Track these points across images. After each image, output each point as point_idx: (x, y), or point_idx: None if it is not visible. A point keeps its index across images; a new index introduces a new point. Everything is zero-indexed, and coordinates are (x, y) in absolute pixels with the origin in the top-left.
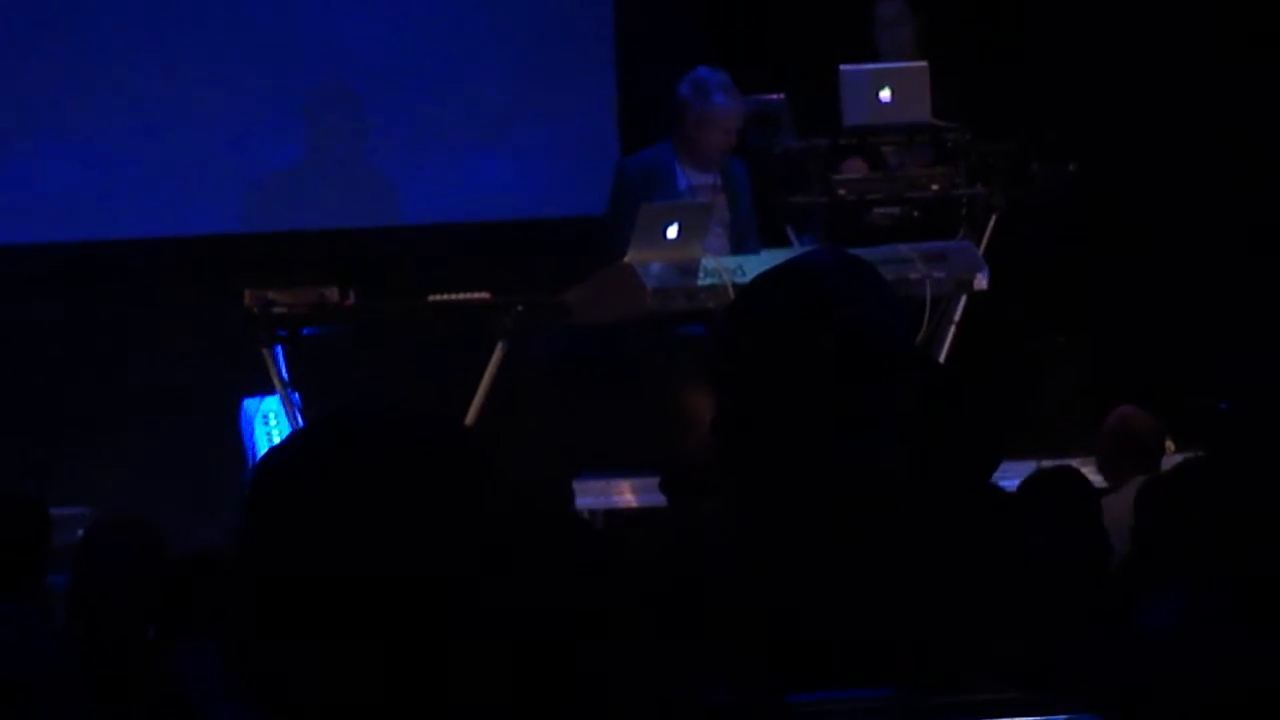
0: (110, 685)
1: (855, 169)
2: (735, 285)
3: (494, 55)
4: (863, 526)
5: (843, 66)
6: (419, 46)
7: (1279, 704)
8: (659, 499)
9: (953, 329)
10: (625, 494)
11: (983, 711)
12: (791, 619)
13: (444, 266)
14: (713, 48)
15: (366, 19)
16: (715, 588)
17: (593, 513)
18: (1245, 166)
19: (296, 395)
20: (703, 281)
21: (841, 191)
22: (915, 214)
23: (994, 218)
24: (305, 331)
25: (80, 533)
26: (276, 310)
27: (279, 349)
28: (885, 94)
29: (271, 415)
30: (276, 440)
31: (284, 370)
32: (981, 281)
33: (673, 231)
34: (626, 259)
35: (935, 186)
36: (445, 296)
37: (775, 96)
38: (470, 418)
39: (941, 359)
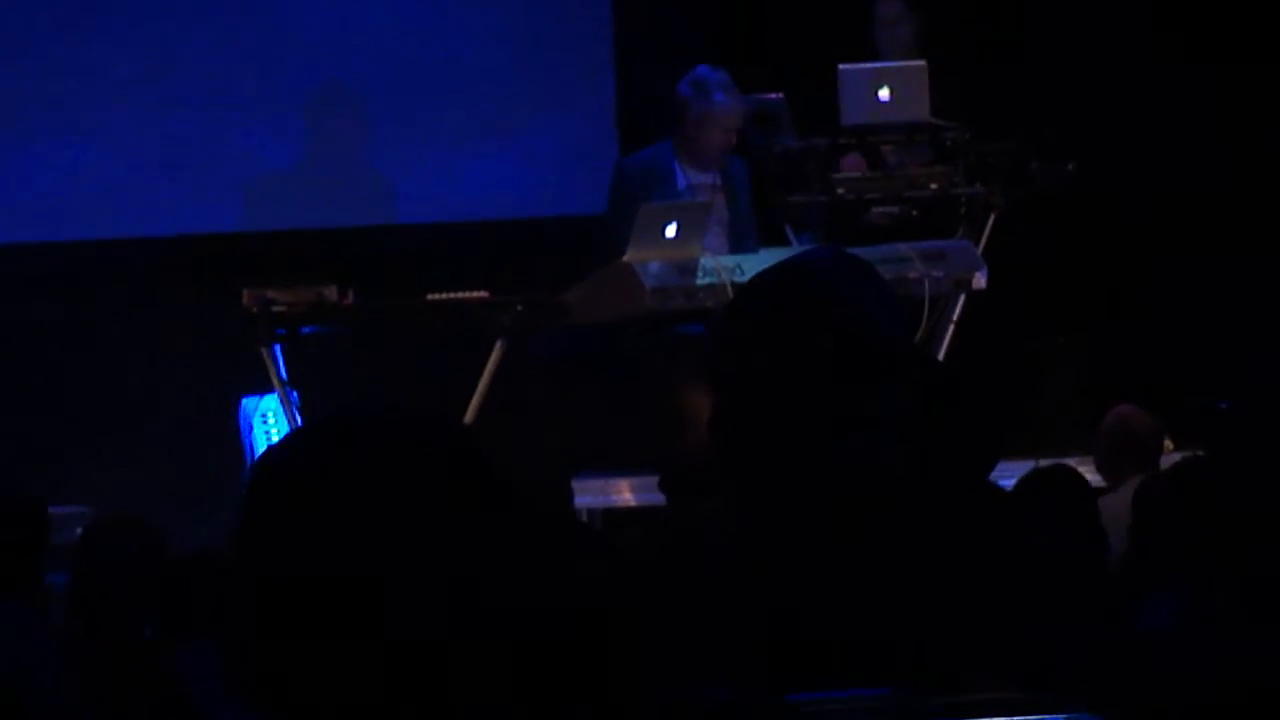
0: (109, 685)
1: (854, 165)
2: (734, 284)
3: (493, 55)
4: (862, 526)
5: (842, 66)
6: (418, 46)
7: (1277, 704)
8: (658, 498)
9: (951, 328)
10: (624, 493)
11: (982, 711)
12: (791, 618)
13: (443, 266)
14: (712, 47)
15: (366, 18)
16: (715, 587)
17: (592, 512)
18: (1245, 166)
19: (295, 394)
20: (701, 281)
21: (840, 191)
22: (914, 213)
23: (993, 217)
24: (304, 330)
25: (79, 532)
26: (275, 309)
27: (278, 348)
28: (884, 93)
29: (270, 414)
30: (275, 439)
31: (283, 369)
32: (980, 281)
33: (671, 231)
34: (625, 258)
35: (934, 186)
36: (444, 296)
37: (774, 96)
38: (469, 417)
39: (940, 358)
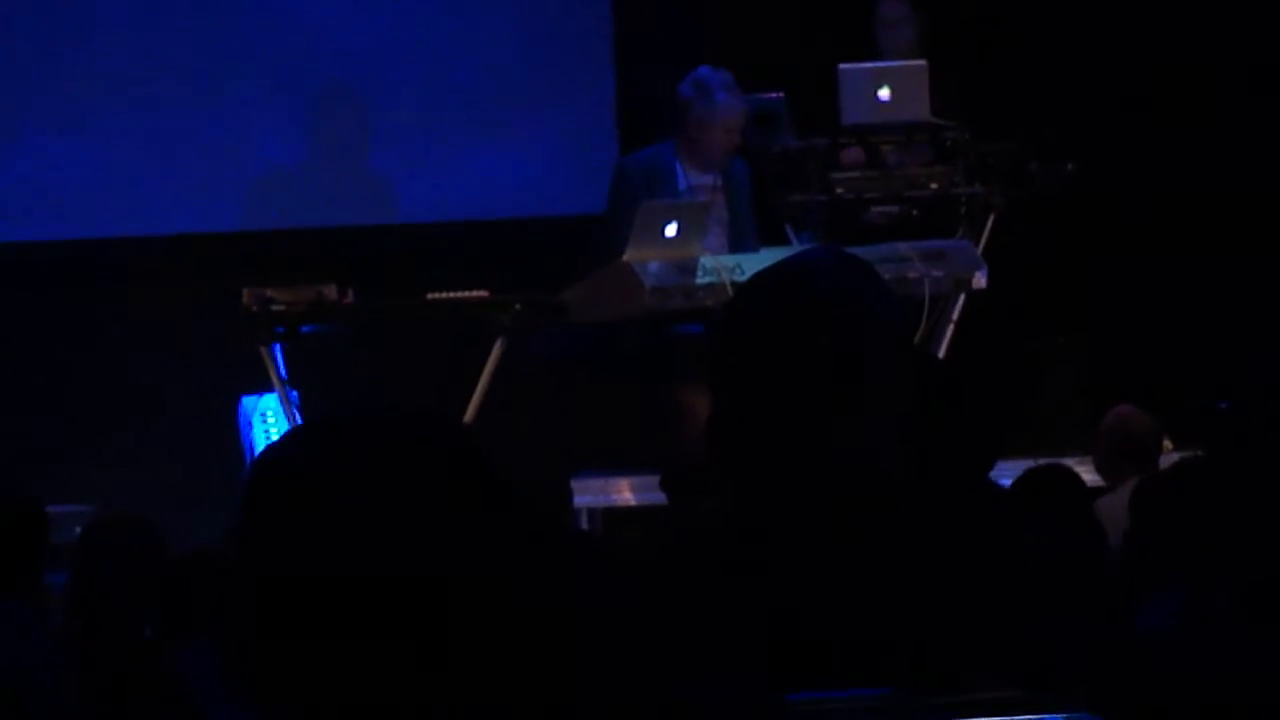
0: (109, 685)
1: (854, 157)
2: (734, 284)
3: (493, 54)
4: (861, 525)
5: (842, 65)
6: (418, 45)
7: (1277, 705)
8: (658, 497)
9: (951, 328)
10: (624, 492)
11: (982, 711)
12: (791, 618)
13: (442, 265)
14: (712, 47)
15: (365, 17)
16: (715, 587)
17: (592, 511)
18: (1244, 166)
19: (295, 393)
20: (701, 280)
21: (840, 190)
22: (914, 213)
23: (992, 217)
24: (303, 329)
25: (79, 531)
26: (275, 308)
27: (277, 347)
28: (884, 93)
29: (269, 413)
30: (274, 438)
31: (282, 368)
32: (980, 280)
33: (671, 230)
34: (625, 257)
35: (934, 185)
36: (444, 295)
37: (774, 95)
38: (468, 416)
39: (940, 358)
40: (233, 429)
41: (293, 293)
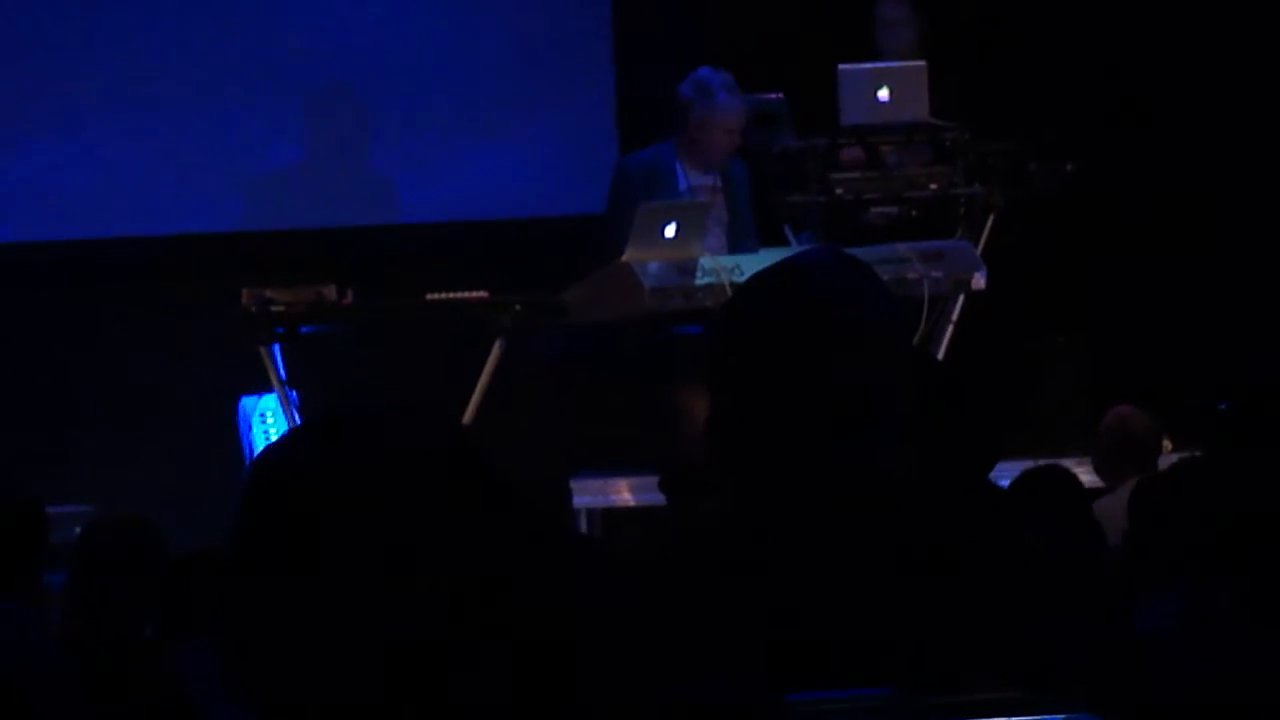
0: (108, 685)
1: (854, 155)
2: (733, 284)
3: (493, 54)
4: (861, 526)
5: (841, 66)
6: (417, 45)
7: (1277, 705)
8: (657, 498)
9: (950, 328)
10: (623, 493)
11: (982, 711)
12: (791, 618)
13: (442, 265)
14: (712, 47)
15: (365, 17)
16: (715, 587)
17: (591, 511)
18: (1244, 165)
19: (294, 393)
20: (700, 281)
21: (839, 191)
22: (913, 213)
23: (992, 217)
24: (303, 330)
25: (78, 531)
26: (274, 308)
27: (277, 347)
28: (883, 93)
29: (269, 413)
30: (273, 438)
31: (281, 369)
32: (979, 281)
33: (671, 231)
34: (624, 258)
35: (933, 186)
36: (443, 295)
37: (774, 96)
38: (468, 416)
39: (939, 358)
40: (232, 429)
41: (292, 293)
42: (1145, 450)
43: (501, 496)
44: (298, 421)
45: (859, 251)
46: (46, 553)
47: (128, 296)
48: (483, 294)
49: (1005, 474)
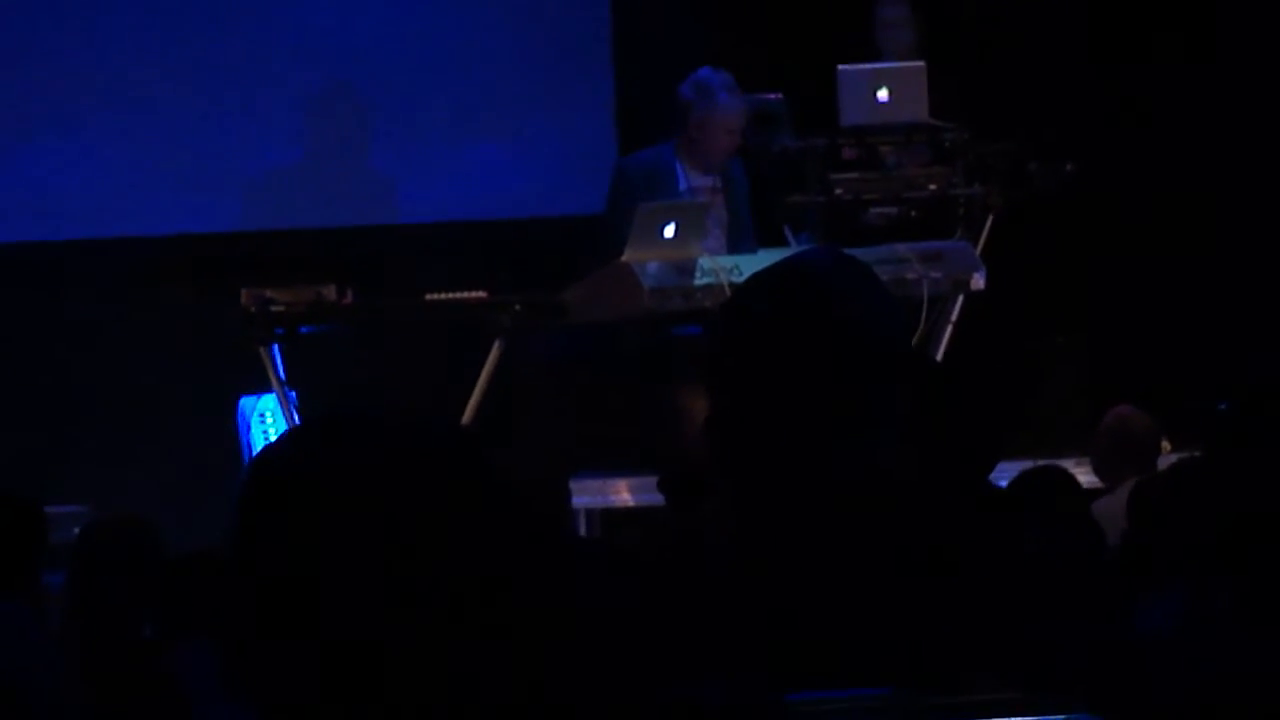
0: (108, 685)
1: (853, 156)
2: (732, 285)
3: (492, 54)
4: (861, 526)
5: (840, 66)
6: (417, 45)
7: (1276, 705)
8: (656, 498)
9: (950, 329)
10: (622, 493)
11: (982, 711)
12: (791, 619)
13: (441, 265)
14: (712, 47)
15: (365, 17)
16: (714, 588)
17: (590, 512)
18: (1244, 166)
19: (293, 394)
20: (700, 281)
21: (839, 191)
22: (912, 214)
23: (991, 217)
24: (302, 330)
25: (77, 531)
26: (274, 308)
27: (276, 347)
28: (883, 94)
29: (268, 413)
30: (273, 438)
31: (281, 369)
32: (979, 281)
33: (670, 231)
34: (624, 258)
35: (932, 186)
36: (442, 295)
37: (774, 96)
38: (467, 416)
39: (939, 359)
40: (232, 429)
41: (292, 293)
42: (1145, 450)
43: (501, 496)
44: (297, 421)
45: (858, 252)
46: (46, 553)
47: (128, 296)
48: (482, 294)
49: (1005, 474)
